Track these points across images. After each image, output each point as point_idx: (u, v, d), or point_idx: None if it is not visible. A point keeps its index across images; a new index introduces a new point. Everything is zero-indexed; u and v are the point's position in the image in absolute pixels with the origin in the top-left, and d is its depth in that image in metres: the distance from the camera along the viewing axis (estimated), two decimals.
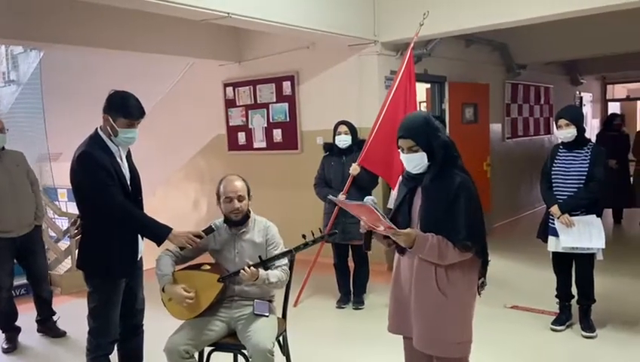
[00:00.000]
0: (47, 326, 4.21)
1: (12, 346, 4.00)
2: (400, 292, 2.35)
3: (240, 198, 2.80)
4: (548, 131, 9.10)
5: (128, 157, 2.82)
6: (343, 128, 4.43)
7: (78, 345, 3.90)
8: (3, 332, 4.08)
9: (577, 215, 3.64)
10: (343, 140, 4.41)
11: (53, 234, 5.75)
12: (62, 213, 5.58)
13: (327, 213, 4.47)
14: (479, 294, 2.30)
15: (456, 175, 2.16)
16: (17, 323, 4.09)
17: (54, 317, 4.25)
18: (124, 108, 2.63)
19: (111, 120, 2.63)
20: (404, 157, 2.25)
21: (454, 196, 2.13)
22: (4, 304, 3.97)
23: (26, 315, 4.25)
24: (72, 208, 5.86)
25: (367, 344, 3.79)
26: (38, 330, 4.23)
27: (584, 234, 3.61)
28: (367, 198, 2.15)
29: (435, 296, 2.18)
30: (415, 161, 2.22)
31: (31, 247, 4.07)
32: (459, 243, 2.11)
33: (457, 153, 2.24)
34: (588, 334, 3.74)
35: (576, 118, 3.68)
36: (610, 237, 7.01)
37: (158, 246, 2.71)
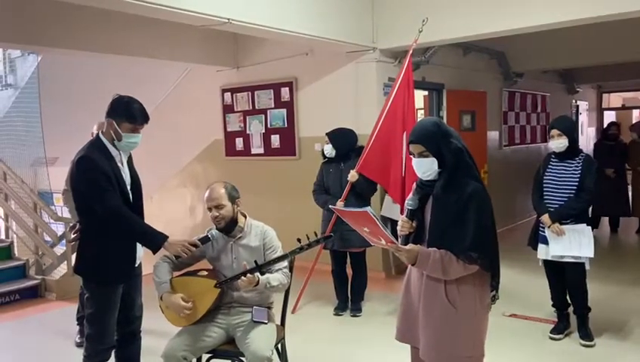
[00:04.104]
0: None
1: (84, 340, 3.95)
2: (409, 300, 2.31)
3: (218, 207, 2.77)
4: (544, 139, 9.13)
5: (129, 162, 2.81)
6: (325, 138, 4.47)
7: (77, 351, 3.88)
8: (79, 325, 4.03)
9: (567, 224, 3.66)
10: (325, 150, 4.47)
11: (48, 238, 5.72)
12: (57, 217, 5.54)
13: (325, 220, 4.46)
14: (489, 308, 2.24)
15: (468, 184, 2.08)
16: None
17: None
18: (128, 112, 2.63)
19: (115, 124, 2.63)
20: (414, 162, 2.20)
21: (464, 205, 2.05)
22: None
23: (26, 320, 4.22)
24: (67, 213, 5.85)
25: (365, 351, 3.78)
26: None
27: (574, 242, 3.63)
28: (367, 208, 2.09)
29: (444, 307, 2.13)
30: (425, 167, 2.16)
31: None
32: (462, 254, 2.04)
33: (472, 161, 2.16)
34: (586, 343, 3.73)
35: (568, 128, 3.71)
36: (606, 245, 7.06)
37: (154, 254, 2.69)
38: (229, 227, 2.82)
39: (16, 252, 5.82)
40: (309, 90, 6.01)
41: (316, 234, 2.69)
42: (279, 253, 2.83)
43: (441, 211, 2.13)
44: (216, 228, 2.83)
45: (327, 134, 4.48)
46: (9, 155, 6.41)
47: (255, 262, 2.67)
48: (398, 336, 2.39)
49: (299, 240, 2.67)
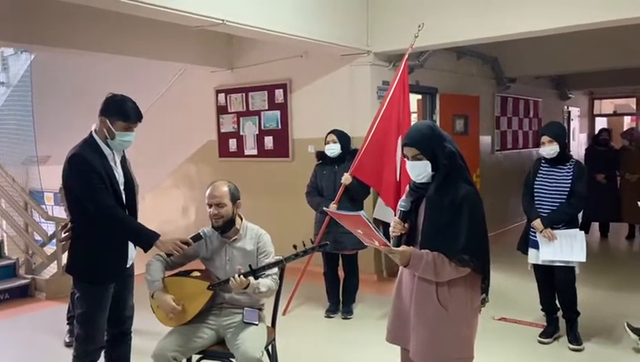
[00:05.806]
0: None
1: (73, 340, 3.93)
2: (400, 302, 2.33)
3: (219, 205, 2.78)
4: (536, 144, 9.17)
5: (124, 162, 2.80)
6: (331, 137, 4.44)
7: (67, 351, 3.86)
8: (69, 325, 4.01)
9: (559, 229, 3.69)
10: (331, 149, 4.42)
11: (39, 238, 5.68)
12: (48, 216, 5.51)
13: (317, 222, 4.46)
14: (479, 310, 2.26)
15: (461, 187, 2.11)
16: None
17: None
18: (121, 111, 2.63)
19: (108, 122, 2.62)
20: (408, 165, 2.22)
21: (457, 208, 2.08)
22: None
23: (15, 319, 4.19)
24: (59, 212, 5.82)
25: (356, 353, 3.78)
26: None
27: (565, 247, 3.66)
28: (361, 212, 2.10)
29: (436, 309, 2.14)
30: (418, 169, 2.18)
31: None
32: (455, 257, 2.06)
33: (464, 164, 2.19)
34: (575, 347, 3.76)
35: (558, 134, 3.75)
36: (596, 250, 7.11)
37: (145, 252, 2.69)
38: (226, 227, 2.82)
39: (6, 251, 5.78)
40: (304, 92, 6.02)
41: (312, 241, 2.71)
42: (272, 258, 2.83)
43: (434, 213, 2.15)
44: (213, 226, 2.82)
45: (333, 132, 4.44)
46: (0, 153, 6.37)
47: (250, 266, 2.68)
48: (388, 338, 2.40)
49: (295, 246, 2.68)
